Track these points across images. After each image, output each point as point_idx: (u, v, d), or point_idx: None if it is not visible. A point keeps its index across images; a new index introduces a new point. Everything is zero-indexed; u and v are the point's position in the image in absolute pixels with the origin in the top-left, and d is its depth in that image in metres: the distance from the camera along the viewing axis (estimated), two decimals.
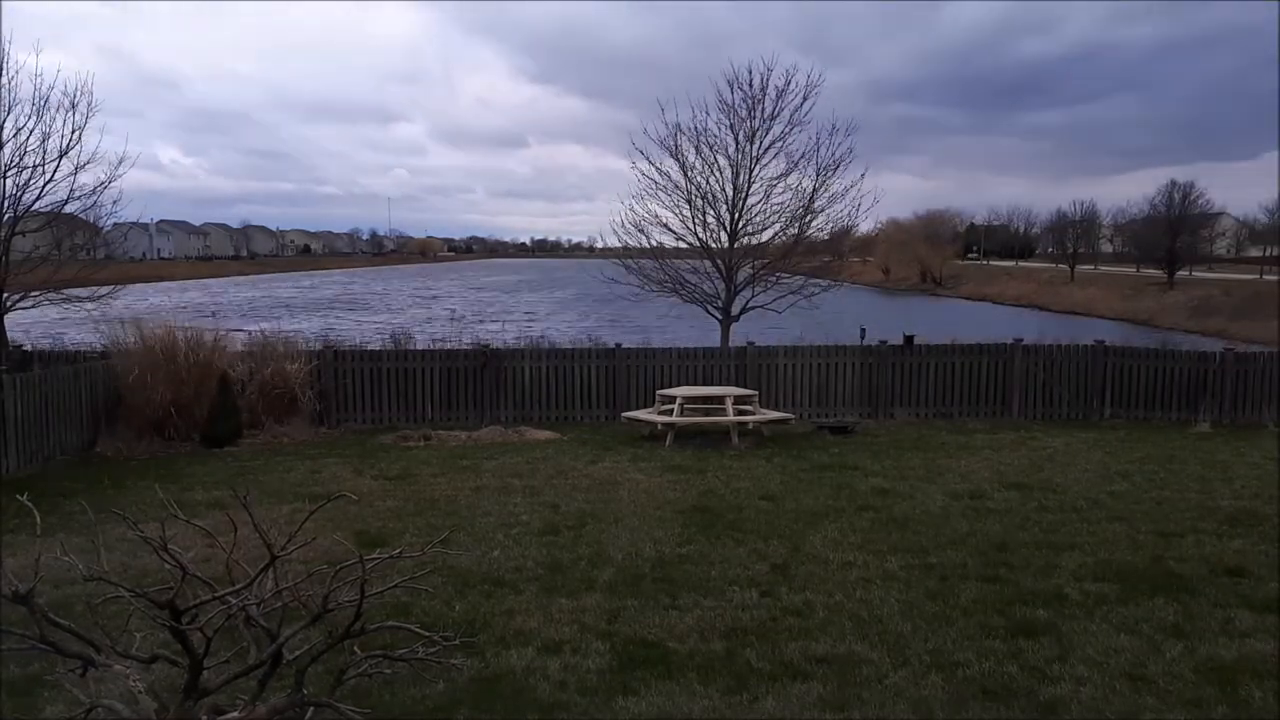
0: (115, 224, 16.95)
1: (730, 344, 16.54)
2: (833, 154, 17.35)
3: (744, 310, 17.69)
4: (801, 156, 17.46)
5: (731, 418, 12.56)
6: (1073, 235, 79.94)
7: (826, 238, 18.59)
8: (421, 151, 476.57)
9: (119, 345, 12.91)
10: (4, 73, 13.36)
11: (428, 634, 4.41)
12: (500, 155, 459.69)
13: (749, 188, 17.62)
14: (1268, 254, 74.40)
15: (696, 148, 17.44)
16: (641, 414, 13.07)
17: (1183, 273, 58.40)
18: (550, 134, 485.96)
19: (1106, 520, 8.41)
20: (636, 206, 18.09)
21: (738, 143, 17.39)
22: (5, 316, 14.39)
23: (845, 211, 17.78)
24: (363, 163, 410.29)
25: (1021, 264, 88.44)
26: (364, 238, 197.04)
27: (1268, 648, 5.52)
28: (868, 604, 6.27)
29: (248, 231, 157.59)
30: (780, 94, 17.14)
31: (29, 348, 14.15)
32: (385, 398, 14.18)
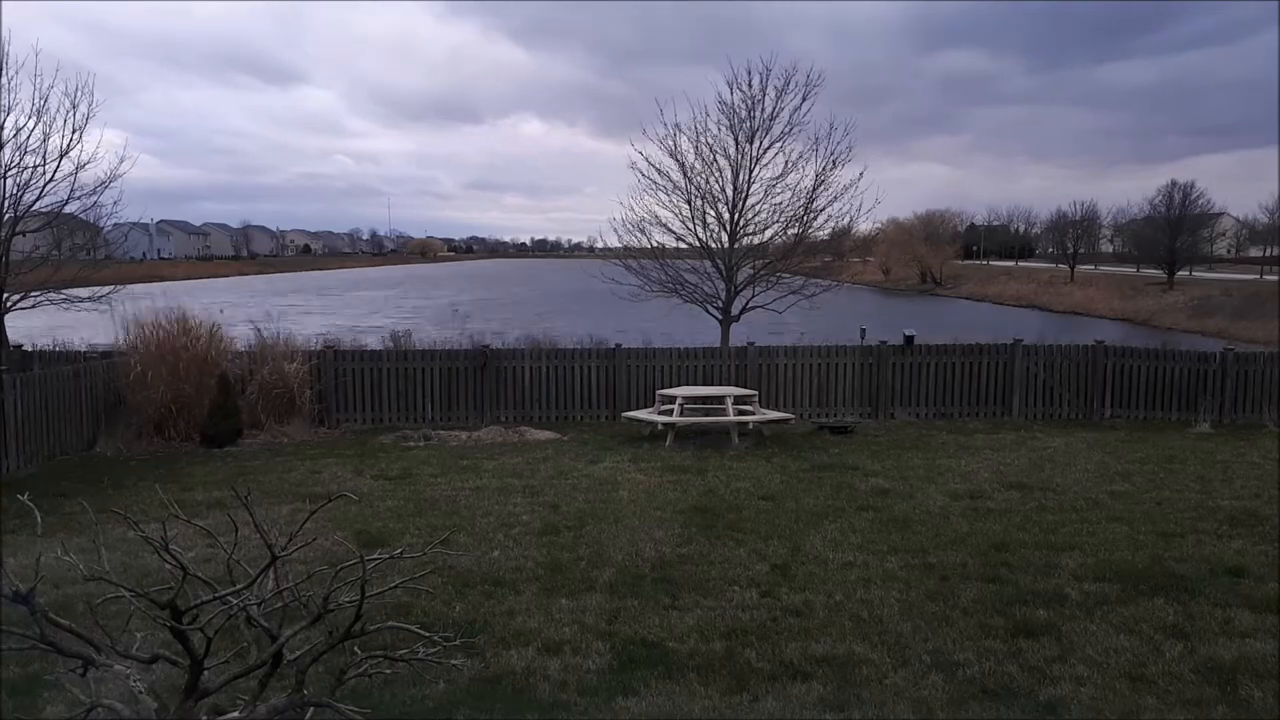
0: (115, 224, 16.97)
1: (730, 344, 16.55)
2: (832, 152, 17.41)
3: (744, 310, 17.71)
4: (800, 156, 17.53)
5: (732, 418, 12.56)
6: (1073, 235, 79.93)
7: (827, 237, 18.63)
8: (344, 128, 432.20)
9: (130, 340, 12.83)
10: (4, 72, 13.39)
11: (428, 634, 4.41)
12: (446, 131, 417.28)
13: (749, 188, 17.66)
14: (1268, 254, 74.38)
15: (696, 148, 17.49)
16: (641, 414, 13.06)
17: (1183, 273, 58.38)
18: (497, 102, 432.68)
19: (1106, 520, 8.41)
20: (636, 205, 18.17)
21: (737, 143, 17.44)
22: (5, 316, 14.40)
23: (846, 209, 17.84)
24: (292, 147, 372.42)
25: (1021, 264, 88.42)
26: (364, 238, 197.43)
27: (1268, 648, 5.52)
28: (868, 604, 6.27)
29: (248, 231, 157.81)
30: (780, 94, 17.22)
31: (29, 347, 14.16)
32: (385, 398, 14.18)
